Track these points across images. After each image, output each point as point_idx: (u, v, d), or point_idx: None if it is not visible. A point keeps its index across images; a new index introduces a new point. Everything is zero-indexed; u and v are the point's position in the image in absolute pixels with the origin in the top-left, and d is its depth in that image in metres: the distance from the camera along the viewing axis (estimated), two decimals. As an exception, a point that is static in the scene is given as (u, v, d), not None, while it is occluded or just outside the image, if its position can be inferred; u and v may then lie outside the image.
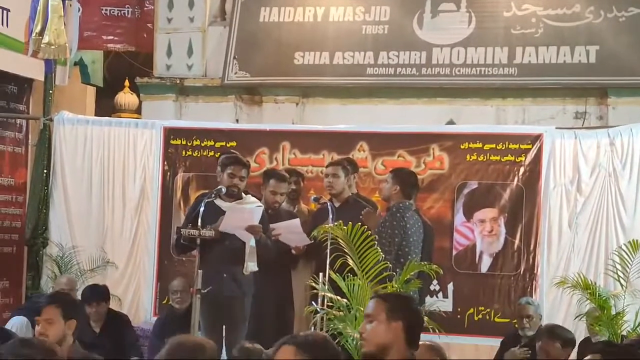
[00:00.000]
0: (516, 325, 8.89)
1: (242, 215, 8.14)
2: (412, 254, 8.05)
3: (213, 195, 8.14)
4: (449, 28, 11.82)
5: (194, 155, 10.38)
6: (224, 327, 7.96)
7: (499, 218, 9.68)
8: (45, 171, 10.56)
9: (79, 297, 9.18)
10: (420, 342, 5.93)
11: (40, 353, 2.92)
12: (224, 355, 8.03)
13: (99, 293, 9.15)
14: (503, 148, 9.76)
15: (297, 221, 8.79)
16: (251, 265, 8.17)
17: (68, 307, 5.56)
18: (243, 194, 8.35)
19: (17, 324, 8.26)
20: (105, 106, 14.60)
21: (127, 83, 14.47)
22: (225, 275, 8.12)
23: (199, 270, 7.74)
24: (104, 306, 9.13)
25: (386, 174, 9.03)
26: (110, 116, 12.84)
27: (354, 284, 7.42)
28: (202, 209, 7.89)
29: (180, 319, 8.72)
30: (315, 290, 7.83)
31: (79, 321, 5.63)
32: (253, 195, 8.52)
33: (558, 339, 7.56)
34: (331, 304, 7.54)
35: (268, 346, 5.11)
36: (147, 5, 12.91)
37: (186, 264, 9.68)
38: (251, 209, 8.23)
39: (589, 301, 8.45)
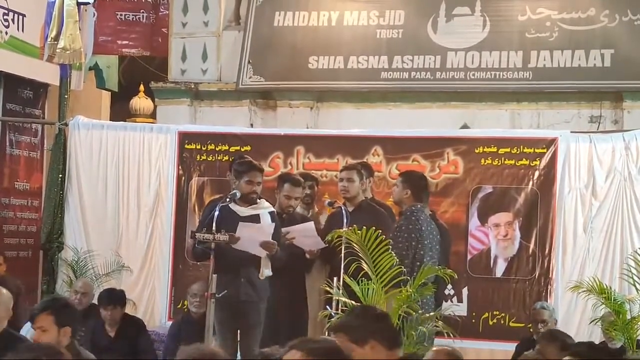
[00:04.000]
0: (531, 330, 8.86)
1: (256, 232, 8.11)
2: (426, 257, 8.04)
3: (228, 200, 8.14)
4: (463, 32, 11.82)
5: (208, 159, 10.39)
6: (238, 331, 7.98)
7: (513, 222, 9.65)
8: (60, 176, 10.58)
9: (95, 301, 9.23)
10: (438, 347, 5.93)
11: (45, 355, 2.93)
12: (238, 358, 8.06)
13: (115, 297, 9.17)
14: (518, 152, 9.73)
15: (311, 224, 8.78)
16: (266, 271, 8.17)
17: (62, 314, 5.48)
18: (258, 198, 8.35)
19: (31, 329, 8.28)
20: (120, 111, 14.65)
21: (142, 88, 14.53)
22: (242, 279, 8.12)
23: (214, 275, 7.74)
24: (120, 310, 9.16)
25: (399, 178, 9.01)
26: (125, 121, 12.89)
27: (368, 288, 7.42)
28: (216, 213, 7.88)
29: (196, 324, 8.73)
30: (329, 295, 7.83)
31: (74, 327, 5.58)
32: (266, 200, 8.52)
33: (556, 341, 7.51)
34: (345, 308, 7.53)
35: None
36: (162, 10, 12.97)
37: (201, 269, 9.67)
38: (264, 225, 8.19)
39: (604, 305, 8.42)
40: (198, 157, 10.42)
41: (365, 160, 9.76)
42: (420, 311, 7.58)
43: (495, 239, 9.69)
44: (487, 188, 9.78)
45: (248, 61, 12.28)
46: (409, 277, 7.58)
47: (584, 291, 8.54)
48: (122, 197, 10.57)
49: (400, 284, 7.47)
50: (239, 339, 8.08)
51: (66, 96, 10.85)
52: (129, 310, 9.53)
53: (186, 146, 10.43)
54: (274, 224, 8.23)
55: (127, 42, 13.03)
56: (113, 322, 9.10)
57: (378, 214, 8.77)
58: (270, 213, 8.31)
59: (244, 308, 8.11)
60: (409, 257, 7.93)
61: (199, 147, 10.42)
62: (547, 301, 9.22)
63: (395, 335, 4.44)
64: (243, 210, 8.19)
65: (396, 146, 10.08)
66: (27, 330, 8.18)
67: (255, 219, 8.21)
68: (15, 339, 6.50)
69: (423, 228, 8.12)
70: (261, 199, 8.37)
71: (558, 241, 9.50)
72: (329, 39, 12.20)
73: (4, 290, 6.71)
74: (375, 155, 10.02)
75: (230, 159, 9.62)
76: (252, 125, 12.12)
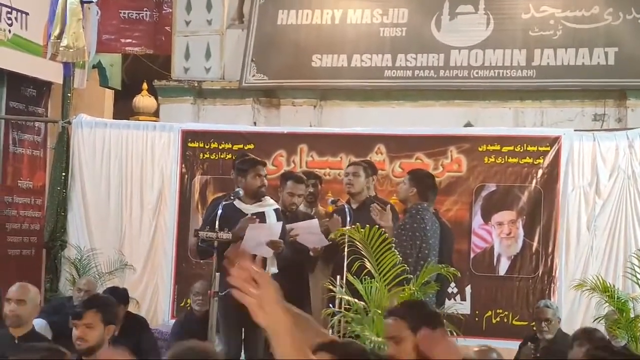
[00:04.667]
0: (534, 328, 8.85)
1: (263, 232, 8.10)
2: (430, 256, 8.02)
3: (232, 198, 8.13)
4: (467, 30, 11.81)
5: (211, 157, 10.39)
6: (243, 330, 7.97)
7: (517, 220, 9.64)
8: (63, 174, 10.58)
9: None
10: (481, 348, 5.90)
11: (49, 355, 2.93)
12: (242, 357, 8.05)
13: (118, 296, 9.13)
14: (521, 150, 9.72)
15: (315, 222, 8.76)
16: (272, 269, 8.16)
17: (108, 312, 5.59)
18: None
19: (37, 326, 8.27)
20: (124, 109, 14.65)
21: (145, 86, 14.51)
22: (247, 277, 8.09)
23: (217, 273, 7.73)
24: (123, 309, 9.12)
25: (404, 176, 8.98)
26: (129, 119, 12.88)
27: (371, 287, 7.41)
28: (219, 211, 7.87)
29: (199, 322, 8.72)
30: (332, 293, 7.82)
31: (117, 326, 5.66)
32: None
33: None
34: (348, 306, 7.53)
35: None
36: (165, 8, 12.97)
37: (204, 267, 9.67)
38: (271, 224, 8.18)
39: (607, 304, 8.41)
40: (201, 155, 10.42)
41: (368, 158, 9.75)
42: (423, 309, 7.55)
43: (499, 237, 9.68)
44: (491, 186, 9.77)
45: (251, 59, 12.28)
46: (412, 276, 7.56)
47: (588, 289, 8.55)
48: (125, 196, 10.57)
49: (403, 282, 7.45)
50: (243, 337, 8.06)
51: (69, 94, 10.85)
52: (132, 308, 9.51)
53: (189, 144, 10.43)
54: (281, 222, 8.22)
55: (130, 40, 13.03)
56: (116, 321, 9.09)
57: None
58: (276, 210, 8.29)
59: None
60: (412, 256, 7.89)
61: (202, 145, 10.43)
62: (550, 299, 9.21)
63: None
64: (248, 208, 8.18)
65: (399, 144, 10.07)
66: (37, 327, 8.19)
67: (261, 216, 8.19)
68: (41, 338, 6.53)
69: (428, 227, 8.10)
70: (266, 196, 8.36)
71: (561, 239, 9.50)
72: (332, 37, 12.19)
73: (30, 287, 6.71)
74: (378, 154, 10.02)
75: (234, 157, 9.62)
76: (255, 124, 12.12)
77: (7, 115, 11.52)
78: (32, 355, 2.92)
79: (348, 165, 9.25)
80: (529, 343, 8.52)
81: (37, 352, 2.93)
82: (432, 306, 4.89)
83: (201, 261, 9.63)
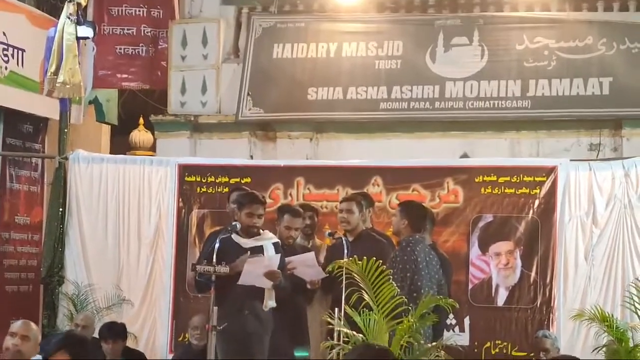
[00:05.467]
0: (534, 359, 8.84)
1: (262, 265, 8.10)
2: (424, 288, 7.99)
3: (229, 231, 8.13)
4: (461, 62, 11.89)
5: (208, 191, 10.39)
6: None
7: (514, 251, 9.63)
8: (60, 209, 10.55)
9: (97, 334, 9.20)
10: None
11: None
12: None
13: (116, 331, 9.15)
14: (517, 181, 9.73)
15: (312, 254, 8.76)
16: (270, 302, 8.15)
17: (77, 350, 5.49)
18: (260, 230, 8.32)
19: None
20: (120, 144, 14.67)
21: (141, 121, 14.55)
22: (247, 312, 8.09)
23: (215, 307, 7.72)
24: (121, 344, 9.13)
25: (398, 208, 8.98)
26: (126, 154, 12.90)
27: (369, 319, 7.39)
28: (217, 245, 7.87)
29: (198, 356, 8.71)
30: (331, 326, 7.80)
31: None
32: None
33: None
34: (347, 339, 7.50)
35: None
36: (160, 43, 13.02)
37: (202, 301, 9.63)
38: (270, 256, 8.17)
39: (606, 334, 8.39)
40: (198, 189, 10.41)
41: (365, 190, 9.76)
42: (422, 341, 7.55)
43: (497, 267, 9.67)
44: (488, 217, 9.77)
45: (247, 93, 12.33)
46: (410, 307, 7.54)
47: (586, 319, 8.51)
48: (122, 230, 10.55)
49: (401, 314, 7.43)
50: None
51: (66, 130, 10.84)
52: (130, 343, 9.50)
53: (186, 178, 10.43)
54: (279, 254, 8.22)
55: (126, 75, 13.05)
56: (114, 356, 9.07)
57: (378, 244, 8.75)
58: (275, 244, 8.28)
59: (250, 341, 8.08)
60: (404, 289, 7.87)
61: (199, 179, 10.41)
62: (549, 329, 9.19)
63: None
64: (246, 242, 8.17)
65: (396, 176, 10.07)
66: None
67: (259, 250, 8.18)
68: None
69: (419, 259, 8.07)
70: (264, 231, 8.35)
71: (559, 269, 9.48)
72: (327, 70, 12.26)
73: (33, 325, 6.69)
74: (375, 186, 10.02)
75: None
76: (252, 157, 12.15)
77: (4, 151, 11.53)
78: None
79: (341, 201, 9.26)
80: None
81: None
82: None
83: (199, 295, 9.60)
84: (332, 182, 10.16)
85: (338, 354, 7.50)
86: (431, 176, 9.97)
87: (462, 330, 9.57)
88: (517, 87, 11.67)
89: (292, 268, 8.49)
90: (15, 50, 11.29)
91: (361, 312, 7.50)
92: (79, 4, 10.45)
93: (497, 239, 9.71)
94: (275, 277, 8.05)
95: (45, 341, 9.35)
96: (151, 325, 10.36)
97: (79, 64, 10.62)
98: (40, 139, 11.96)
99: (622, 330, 8.22)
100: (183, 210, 10.38)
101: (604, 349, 8.46)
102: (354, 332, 7.42)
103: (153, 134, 13.30)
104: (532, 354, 8.98)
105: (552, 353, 8.64)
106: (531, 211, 9.65)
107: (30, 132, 11.85)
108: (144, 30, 13.04)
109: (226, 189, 10.14)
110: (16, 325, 6.60)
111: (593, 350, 8.63)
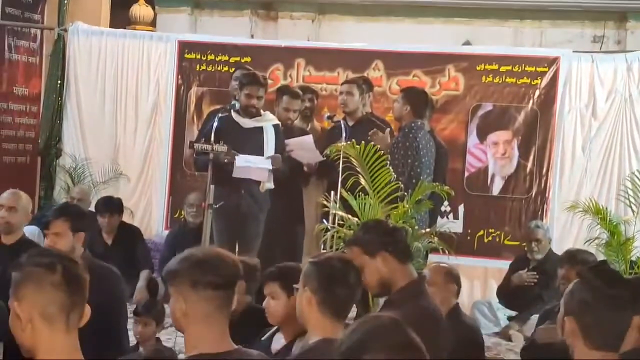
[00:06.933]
0: (525, 249, 8.92)
1: (255, 166, 8.07)
2: (423, 175, 8.00)
3: (228, 110, 8.11)
4: (469, -54, 11.71)
5: (208, 69, 10.32)
6: (237, 242, 7.99)
7: (512, 141, 9.65)
8: (59, 82, 10.52)
9: (92, 208, 9.25)
10: (436, 265, 5.95)
11: (60, 260, 2.91)
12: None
13: (112, 205, 9.20)
14: (519, 70, 9.68)
15: (309, 137, 8.74)
16: (267, 184, 8.16)
17: (76, 219, 5.51)
18: (261, 111, 8.28)
19: (29, 233, 8.30)
20: (120, 18, 14.47)
21: (142, -5, 14.34)
22: (243, 191, 8.10)
23: (212, 185, 7.72)
24: (117, 218, 9.20)
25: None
26: (125, 28, 12.76)
27: (365, 203, 7.43)
28: (215, 124, 7.85)
29: (193, 233, 8.77)
30: (326, 208, 7.84)
31: (87, 233, 5.61)
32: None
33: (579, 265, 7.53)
34: (342, 222, 7.55)
35: (277, 262, 5.09)
36: None
37: (198, 179, 9.69)
38: (263, 159, 8.12)
39: (599, 226, 8.46)
40: (197, 67, 10.35)
41: (365, 74, 9.70)
42: (416, 227, 7.60)
43: (494, 157, 9.69)
44: (487, 106, 9.75)
45: (250, -30, 12.16)
46: (405, 193, 7.57)
47: (580, 211, 8.57)
48: (120, 105, 10.53)
49: (397, 200, 7.47)
50: (237, 250, 8.09)
51: (66, 1, 10.73)
52: (125, 218, 9.57)
53: (186, 56, 10.36)
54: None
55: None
56: (110, 230, 9.15)
57: (378, 129, 8.73)
58: (275, 126, 8.24)
59: (245, 219, 8.10)
60: (404, 174, 7.88)
61: (198, 56, 10.34)
62: (542, 220, 9.26)
63: (406, 248, 4.47)
64: (246, 122, 8.14)
65: (397, 61, 10.01)
66: (29, 234, 8.22)
67: (259, 131, 8.15)
68: (33, 245, 6.50)
69: (421, 145, 8.07)
70: (265, 112, 8.30)
71: (556, 161, 9.52)
72: (332, -50, 12.08)
73: (23, 195, 6.69)
74: (376, 70, 9.96)
75: (231, 70, 9.60)
76: (252, 36, 12.03)
77: (3, 20, 11.40)
78: (46, 259, 2.89)
79: (342, 84, 9.18)
80: (527, 270, 8.62)
81: (49, 257, 2.90)
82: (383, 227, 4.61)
83: (196, 173, 9.64)
84: (333, 65, 10.09)
85: (332, 236, 7.55)
86: (432, 62, 9.91)
87: (456, 217, 9.64)
88: (523, -26, 11.54)
89: (289, 150, 8.48)
90: None
91: (357, 196, 7.53)
92: None
93: (496, 128, 9.71)
94: (276, 162, 8.06)
95: (43, 212, 9.48)
96: (147, 201, 10.43)
97: None
98: (39, 9, 11.79)
99: (615, 223, 8.29)
100: (182, 88, 10.34)
101: (596, 241, 8.54)
102: (349, 216, 7.48)
103: (154, 8, 13.14)
104: (524, 244, 9.05)
105: (543, 243, 8.72)
106: (531, 101, 9.62)
107: (29, 1, 11.69)
108: None
109: (225, 68, 10.10)
110: (4, 197, 6.60)
111: (585, 242, 8.71)
